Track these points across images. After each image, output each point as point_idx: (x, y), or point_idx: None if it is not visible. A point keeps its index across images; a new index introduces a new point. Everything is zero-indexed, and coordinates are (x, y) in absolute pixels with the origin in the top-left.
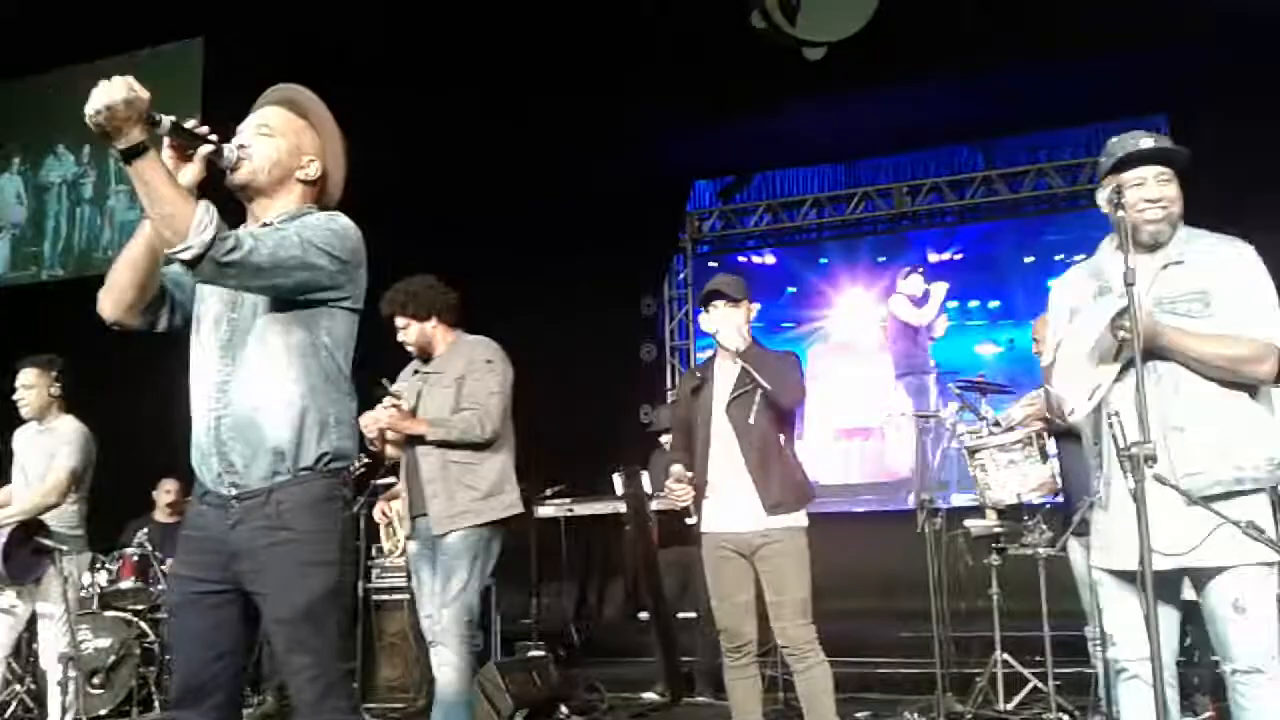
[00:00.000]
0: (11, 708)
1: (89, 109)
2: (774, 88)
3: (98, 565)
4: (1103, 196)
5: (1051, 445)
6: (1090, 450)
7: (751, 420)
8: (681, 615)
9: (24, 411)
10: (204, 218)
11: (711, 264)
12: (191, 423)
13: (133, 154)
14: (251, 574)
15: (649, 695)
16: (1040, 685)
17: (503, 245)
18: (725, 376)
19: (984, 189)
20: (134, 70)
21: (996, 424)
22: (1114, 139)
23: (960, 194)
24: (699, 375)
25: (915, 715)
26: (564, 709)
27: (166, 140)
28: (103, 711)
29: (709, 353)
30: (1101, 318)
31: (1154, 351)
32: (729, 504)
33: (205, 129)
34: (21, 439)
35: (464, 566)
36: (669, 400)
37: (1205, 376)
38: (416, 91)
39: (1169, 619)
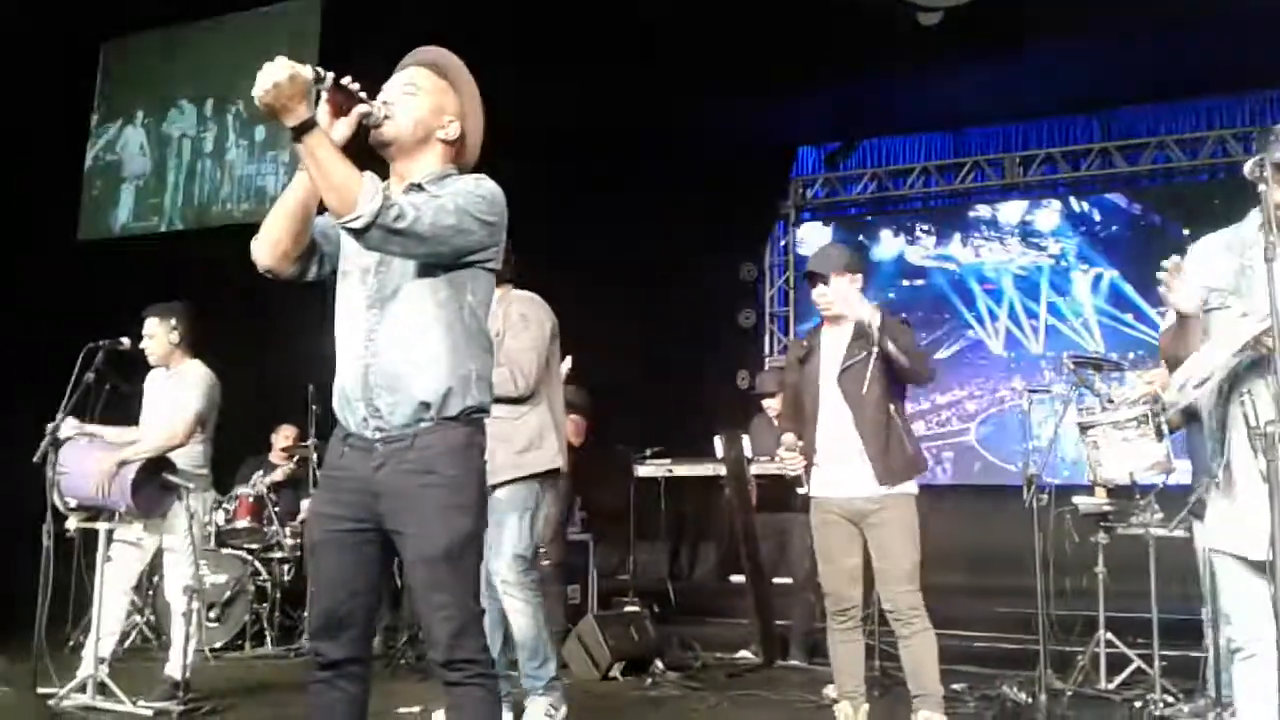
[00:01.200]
0: (133, 637)
1: (256, 91)
2: (885, 53)
3: (217, 504)
4: (1249, 165)
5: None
6: (1209, 432)
7: (865, 391)
8: (777, 580)
9: (150, 359)
10: (371, 188)
11: (814, 231)
12: (335, 368)
13: (302, 130)
14: (394, 514)
15: (744, 653)
16: (1145, 666)
17: (607, 209)
18: (834, 345)
19: (1100, 160)
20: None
21: (1110, 400)
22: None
23: (1074, 165)
24: (806, 345)
25: (1015, 689)
26: (659, 664)
27: (325, 95)
28: (218, 644)
29: (813, 325)
30: (1247, 328)
31: None
32: (840, 472)
33: (358, 87)
34: (151, 383)
35: (513, 518)
36: (768, 366)
37: None
38: (525, 54)
39: None
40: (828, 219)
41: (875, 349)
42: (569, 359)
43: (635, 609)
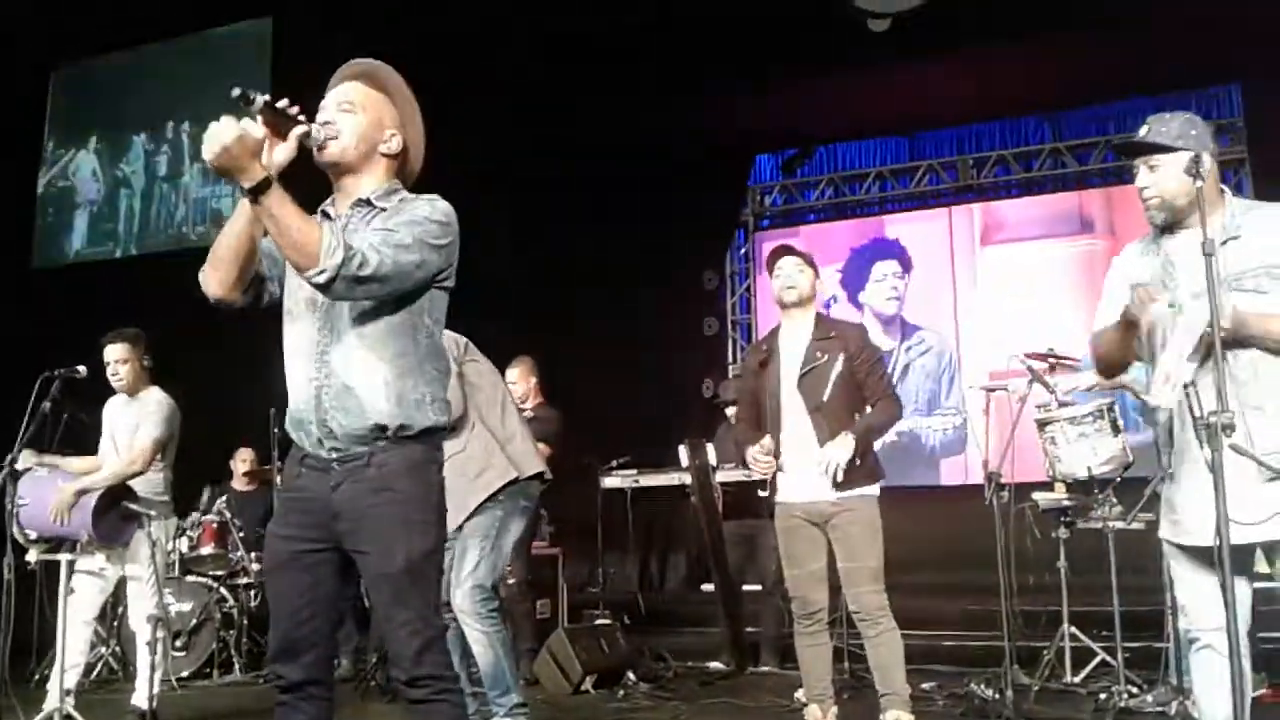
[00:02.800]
0: (98, 669)
1: (206, 154)
2: (837, 59)
3: (179, 531)
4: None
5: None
6: (1159, 425)
7: (825, 396)
8: (746, 587)
9: (117, 385)
10: (332, 241)
11: (773, 238)
12: (287, 390)
13: (258, 190)
14: (353, 533)
15: (715, 664)
16: (1109, 659)
17: (565, 219)
18: (793, 348)
19: (1051, 161)
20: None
21: (1066, 394)
22: (1147, 120)
23: (1026, 166)
24: (764, 348)
25: (982, 686)
26: (631, 676)
27: (260, 119)
28: (185, 673)
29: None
30: (1196, 323)
31: (1237, 339)
32: (802, 477)
33: (296, 109)
34: (111, 410)
35: (475, 547)
36: (731, 374)
37: (1273, 354)
38: (480, 63)
39: (1242, 590)
40: (786, 226)
41: (841, 355)
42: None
43: (606, 621)
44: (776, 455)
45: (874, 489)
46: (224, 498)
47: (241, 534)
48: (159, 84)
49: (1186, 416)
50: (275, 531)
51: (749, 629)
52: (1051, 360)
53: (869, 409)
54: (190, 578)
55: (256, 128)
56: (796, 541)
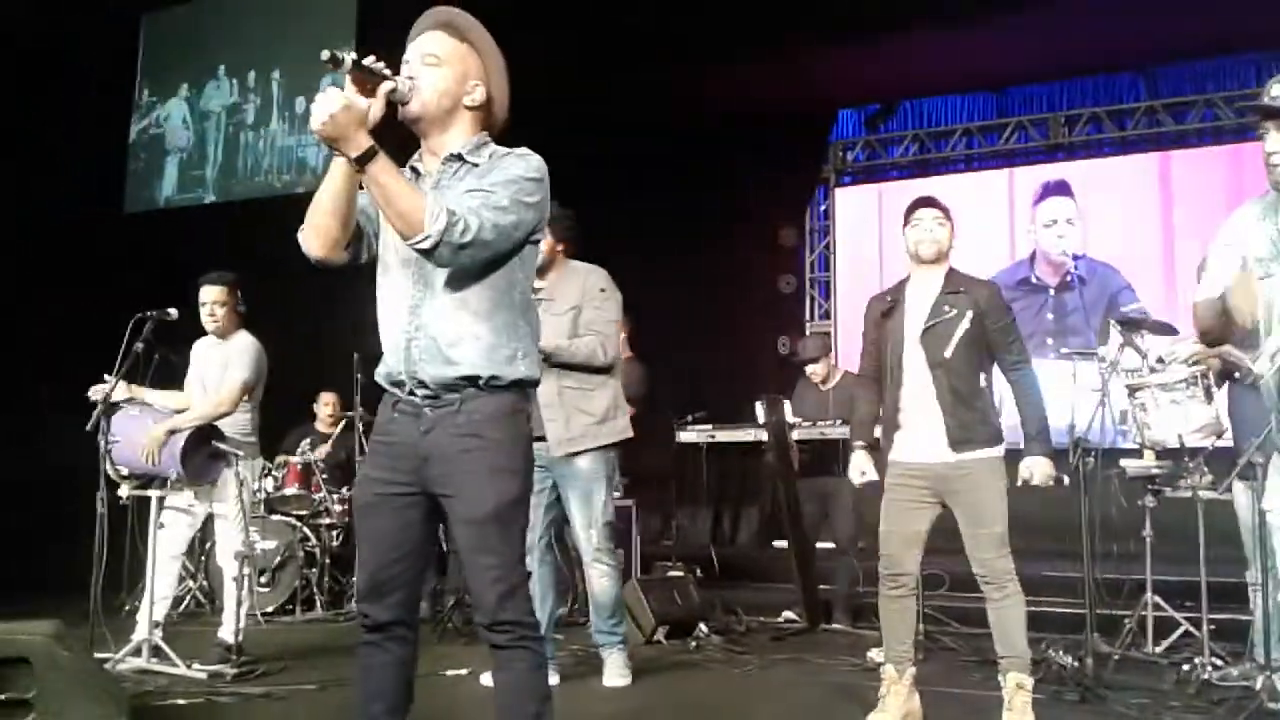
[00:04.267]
0: (185, 602)
1: (313, 124)
2: (923, 11)
3: (265, 472)
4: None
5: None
6: (1271, 402)
7: (948, 354)
8: (820, 545)
9: (211, 328)
10: (434, 208)
11: (853, 195)
12: (380, 338)
13: (364, 159)
14: (443, 477)
15: (787, 615)
16: (1193, 630)
17: (645, 173)
18: (920, 301)
19: (1146, 119)
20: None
21: (1160, 361)
22: (1275, 78)
23: (1121, 124)
24: (889, 299)
25: (1061, 653)
26: (704, 628)
27: (349, 78)
28: (269, 608)
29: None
30: None
31: None
32: (919, 435)
33: (382, 65)
34: (199, 351)
35: (600, 488)
36: (809, 331)
37: None
38: (559, 20)
39: None
40: (869, 183)
41: (970, 312)
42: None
43: (679, 574)
44: (893, 412)
45: (998, 450)
46: (308, 440)
47: (325, 476)
48: (248, 33)
49: None
50: (367, 474)
51: (821, 587)
52: (1146, 326)
53: (1009, 382)
54: (275, 517)
55: (360, 99)
56: (902, 500)
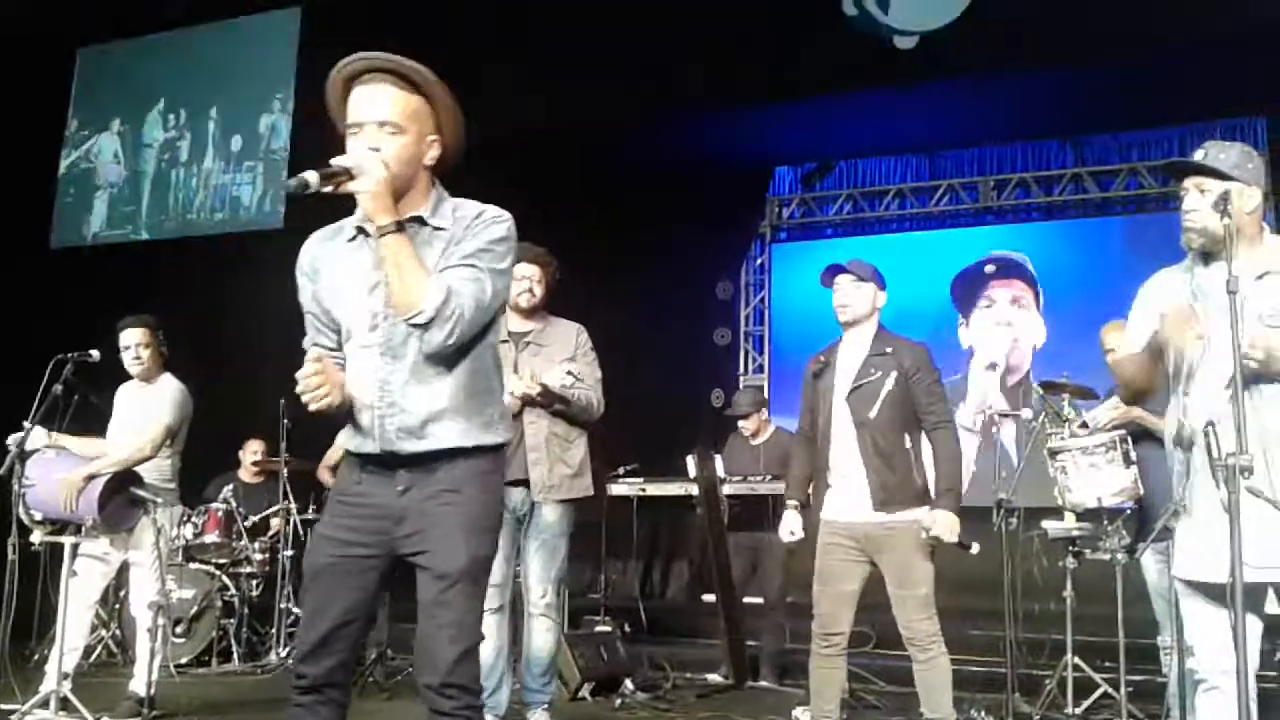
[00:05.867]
0: (97, 652)
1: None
2: (862, 75)
3: (184, 519)
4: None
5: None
6: (1176, 459)
7: (872, 414)
8: (749, 600)
9: (136, 370)
10: (435, 287)
11: (789, 251)
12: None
13: (387, 230)
14: (417, 535)
15: (713, 677)
16: (1111, 691)
17: (581, 223)
18: (848, 363)
19: (1073, 186)
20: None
21: (1084, 425)
22: (1202, 146)
23: (1048, 190)
24: (822, 359)
25: (983, 714)
26: (630, 685)
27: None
28: (184, 659)
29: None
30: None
31: (1265, 373)
32: (847, 495)
33: (342, 161)
34: (124, 395)
35: (564, 542)
36: (742, 385)
37: None
38: (500, 59)
39: (1253, 631)
40: (804, 239)
41: (895, 373)
42: None
43: (606, 628)
44: (823, 470)
45: (924, 511)
46: (230, 486)
47: (247, 524)
48: (185, 69)
49: (1204, 455)
50: (327, 533)
51: (749, 643)
52: (1067, 390)
53: (929, 440)
54: (193, 565)
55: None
56: (834, 560)
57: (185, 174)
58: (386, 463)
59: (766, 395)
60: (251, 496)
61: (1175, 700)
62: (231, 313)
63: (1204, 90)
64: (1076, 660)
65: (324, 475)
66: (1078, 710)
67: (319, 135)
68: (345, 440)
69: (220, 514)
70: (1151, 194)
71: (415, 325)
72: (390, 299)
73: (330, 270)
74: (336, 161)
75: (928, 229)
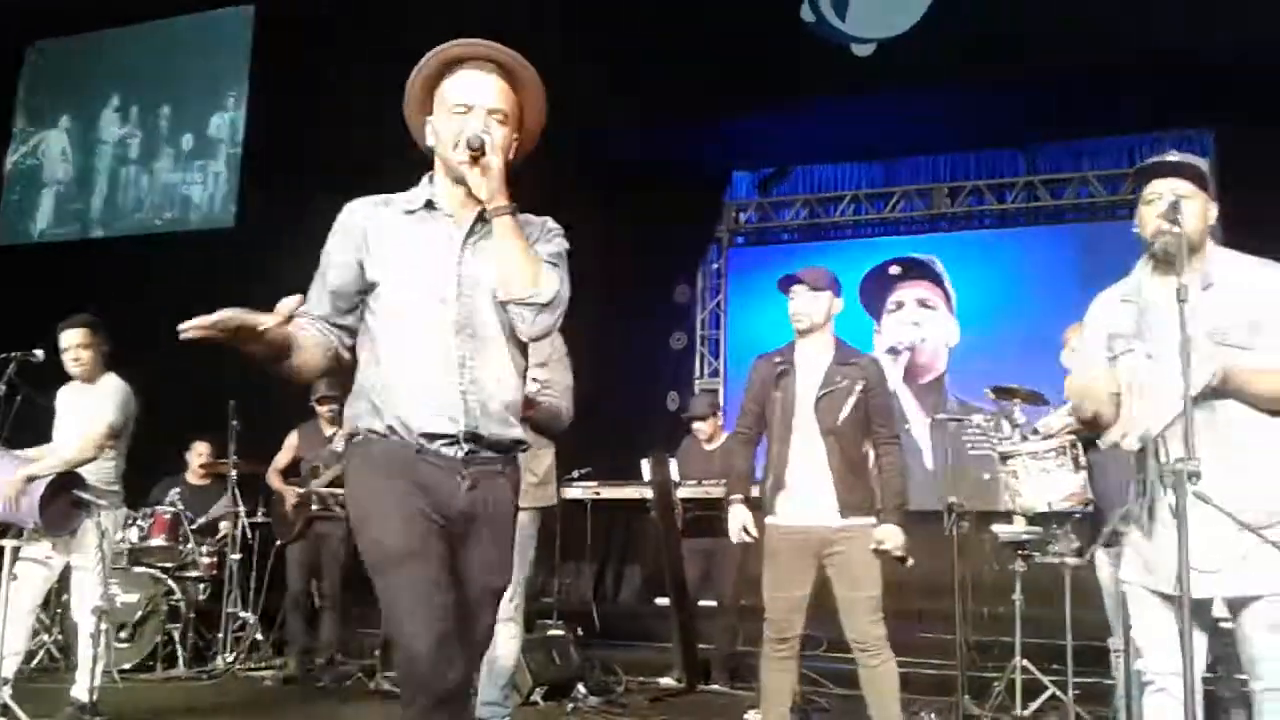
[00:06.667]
0: (38, 657)
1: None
2: (820, 82)
3: (129, 522)
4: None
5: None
6: (1130, 470)
7: (840, 421)
8: (702, 603)
9: (76, 371)
10: (553, 273)
11: (746, 256)
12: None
13: (504, 211)
14: (474, 534)
15: (665, 680)
16: (1059, 693)
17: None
18: (812, 368)
19: (1025, 194)
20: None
21: (1034, 430)
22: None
23: (1000, 198)
24: (779, 361)
25: (933, 716)
26: (581, 689)
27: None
28: (128, 665)
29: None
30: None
31: (1219, 391)
32: (804, 499)
33: (481, 134)
34: (65, 398)
35: (530, 549)
36: (698, 389)
37: (1258, 409)
38: None
39: (1200, 635)
40: (760, 244)
41: (861, 383)
42: None
43: (559, 632)
44: (779, 471)
45: (874, 518)
46: (177, 489)
47: (194, 527)
48: (135, 67)
49: (1154, 462)
50: (400, 511)
51: (701, 646)
52: (1019, 395)
53: (876, 455)
54: (139, 569)
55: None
56: (787, 564)
57: (136, 172)
58: (448, 457)
59: (722, 400)
60: (199, 499)
61: (1123, 703)
62: (180, 312)
63: (1154, 102)
64: (1025, 663)
65: (273, 479)
66: (1026, 712)
67: (273, 134)
68: (386, 420)
69: (167, 517)
70: (1102, 203)
71: (530, 304)
72: (506, 279)
73: (390, 241)
74: (476, 134)
75: (882, 235)
